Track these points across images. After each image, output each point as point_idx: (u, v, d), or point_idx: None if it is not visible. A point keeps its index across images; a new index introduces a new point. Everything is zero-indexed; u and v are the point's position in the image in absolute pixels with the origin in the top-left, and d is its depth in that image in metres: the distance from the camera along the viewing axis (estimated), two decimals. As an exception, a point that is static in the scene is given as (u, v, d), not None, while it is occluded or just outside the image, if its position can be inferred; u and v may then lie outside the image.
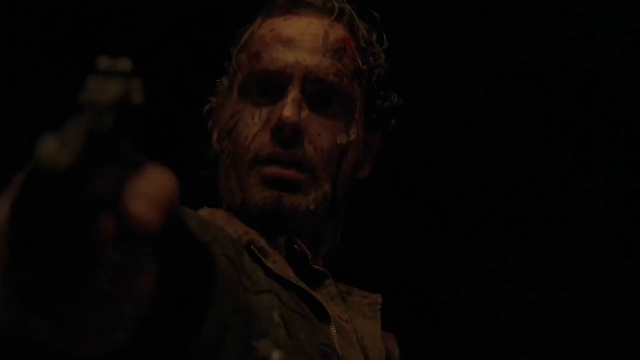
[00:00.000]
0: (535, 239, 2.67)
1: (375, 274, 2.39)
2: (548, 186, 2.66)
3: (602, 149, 2.61)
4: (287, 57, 1.41)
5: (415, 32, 2.34)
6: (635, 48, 2.49)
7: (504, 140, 2.63)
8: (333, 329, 1.31)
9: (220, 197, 1.46)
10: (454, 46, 2.51)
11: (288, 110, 1.37)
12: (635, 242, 2.61)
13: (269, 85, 1.41)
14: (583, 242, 2.64)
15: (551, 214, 2.67)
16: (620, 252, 2.62)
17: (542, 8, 2.48)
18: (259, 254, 1.31)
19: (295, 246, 1.38)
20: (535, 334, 2.65)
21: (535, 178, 2.66)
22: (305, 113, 1.39)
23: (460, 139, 2.60)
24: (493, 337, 2.64)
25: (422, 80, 2.24)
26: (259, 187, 1.37)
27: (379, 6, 1.47)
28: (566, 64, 2.56)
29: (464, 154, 2.62)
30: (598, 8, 2.46)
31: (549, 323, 2.64)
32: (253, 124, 1.40)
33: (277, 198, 1.36)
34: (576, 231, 2.65)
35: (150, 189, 0.61)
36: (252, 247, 1.31)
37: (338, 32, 1.44)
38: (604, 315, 2.60)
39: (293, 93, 1.39)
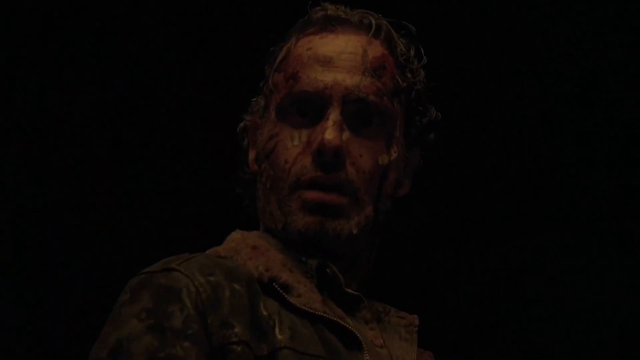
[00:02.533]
0: (536, 237, 2.68)
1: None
2: (548, 184, 2.67)
3: (602, 146, 2.61)
4: (325, 77, 1.38)
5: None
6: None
7: (506, 138, 2.63)
8: (366, 356, 1.31)
9: (256, 215, 1.45)
10: (456, 41, 2.51)
11: (330, 133, 1.34)
12: (635, 240, 2.62)
13: (307, 107, 1.39)
14: (583, 240, 2.65)
15: (552, 212, 2.67)
16: (621, 250, 2.62)
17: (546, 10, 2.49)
18: (281, 291, 1.31)
19: (328, 270, 1.36)
20: (538, 333, 2.65)
21: (535, 176, 2.66)
22: (346, 134, 1.36)
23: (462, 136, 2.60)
24: (507, 339, 2.64)
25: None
26: (301, 213, 1.36)
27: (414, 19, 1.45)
28: (566, 62, 2.55)
29: (466, 151, 2.62)
30: (598, 8, 2.47)
31: (549, 322, 2.65)
32: (293, 147, 1.38)
33: (320, 223, 1.35)
34: (576, 229, 2.66)
35: None
36: (274, 284, 1.31)
37: (376, 49, 1.41)
38: (604, 314, 2.61)
39: (334, 115, 1.36)
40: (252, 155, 1.46)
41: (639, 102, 2.57)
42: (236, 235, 1.41)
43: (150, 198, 2.72)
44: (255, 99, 1.48)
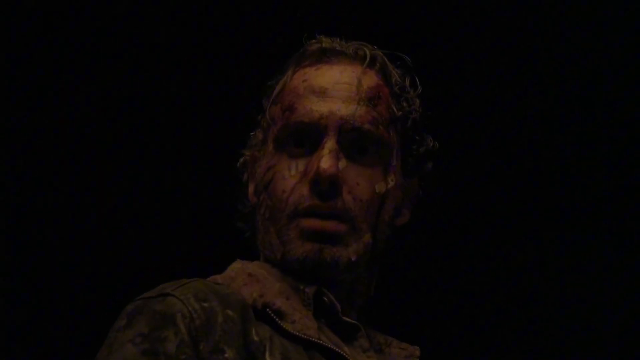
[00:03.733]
0: (539, 238, 2.67)
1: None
2: (550, 185, 2.65)
3: (602, 147, 2.60)
4: (321, 107, 1.40)
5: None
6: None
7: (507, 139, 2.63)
8: None
9: (255, 248, 1.47)
10: (456, 39, 2.51)
11: (325, 162, 1.36)
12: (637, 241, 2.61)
13: (304, 137, 1.41)
14: (586, 241, 2.63)
15: (555, 212, 2.67)
16: (624, 251, 2.62)
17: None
18: (275, 317, 1.33)
19: (325, 298, 1.38)
20: (542, 336, 2.65)
21: (536, 178, 2.65)
22: (342, 163, 1.38)
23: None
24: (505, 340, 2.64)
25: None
26: (300, 241, 1.37)
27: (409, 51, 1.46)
28: (565, 62, 2.54)
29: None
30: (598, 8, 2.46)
31: (554, 325, 2.64)
32: (290, 177, 1.39)
33: (318, 251, 1.36)
34: (579, 230, 2.64)
35: None
36: (267, 310, 1.33)
37: (371, 79, 1.43)
38: (607, 316, 2.60)
39: (329, 144, 1.38)
40: (251, 188, 1.48)
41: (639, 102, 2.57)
42: (236, 265, 1.43)
43: (150, 198, 2.71)
44: (253, 132, 1.50)
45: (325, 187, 1.36)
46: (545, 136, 2.59)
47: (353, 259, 1.37)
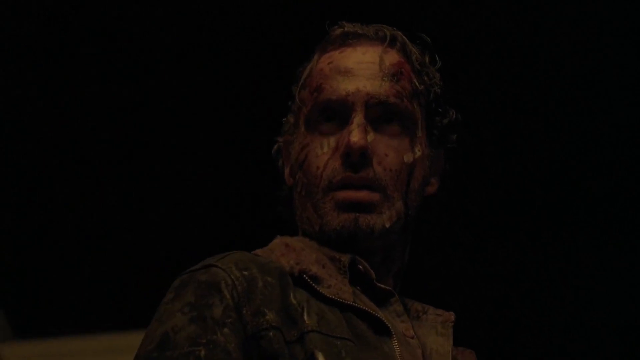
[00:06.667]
0: (545, 239, 2.74)
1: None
2: (558, 185, 2.71)
3: (603, 149, 2.66)
4: (347, 86, 1.49)
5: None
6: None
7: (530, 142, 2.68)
8: (395, 342, 1.39)
9: (293, 229, 1.54)
10: (461, 43, 2.57)
11: (355, 135, 1.45)
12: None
13: (333, 115, 1.49)
14: (594, 241, 2.70)
15: (561, 213, 2.72)
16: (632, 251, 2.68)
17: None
18: (311, 283, 1.40)
19: (360, 266, 1.45)
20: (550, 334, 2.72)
21: (543, 179, 2.71)
22: (371, 136, 1.46)
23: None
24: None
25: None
26: (335, 212, 1.45)
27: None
28: (571, 63, 2.62)
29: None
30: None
31: (560, 323, 2.71)
32: (323, 153, 1.48)
33: (354, 220, 1.44)
34: (588, 231, 2.70)
35: None
36: (304, 276, 1.40)
37: (393, 57, 1.52)
38: (614, 316, 2.68)
39: (357, 118, 1.46)
40: (287, 170, 1.57)
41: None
42: (276, 240, 1.51)
43: (149, 198, 2.76)
44: (285, 118, 1.59)
45: (357, 159, 1.44)
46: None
47: (387, 225, 1.45)
